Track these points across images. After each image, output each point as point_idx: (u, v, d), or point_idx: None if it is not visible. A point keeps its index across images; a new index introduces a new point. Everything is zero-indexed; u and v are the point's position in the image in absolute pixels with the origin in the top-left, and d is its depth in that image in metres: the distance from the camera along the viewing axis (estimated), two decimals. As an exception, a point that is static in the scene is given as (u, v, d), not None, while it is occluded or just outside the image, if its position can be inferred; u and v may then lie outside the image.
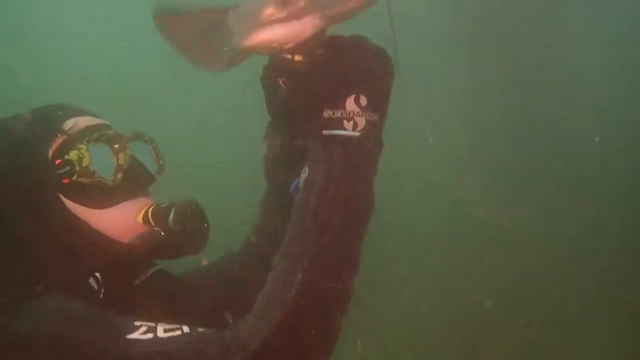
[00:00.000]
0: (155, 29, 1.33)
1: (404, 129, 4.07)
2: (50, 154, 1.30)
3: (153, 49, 1.80)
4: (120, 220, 1.34)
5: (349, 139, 1.14)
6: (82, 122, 1.35)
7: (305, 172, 1.17)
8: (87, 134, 1.32)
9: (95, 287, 1.31)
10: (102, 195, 1.31)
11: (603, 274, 4.66)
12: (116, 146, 1.33)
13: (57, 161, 1.29)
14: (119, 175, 1.32)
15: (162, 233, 1.33)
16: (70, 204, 1.30)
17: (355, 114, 1.14)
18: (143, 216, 1.34)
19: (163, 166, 1.45)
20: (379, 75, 1.19)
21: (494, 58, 5.14)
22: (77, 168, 1.28)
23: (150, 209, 1.35)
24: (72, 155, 1.29)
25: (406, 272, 4.81)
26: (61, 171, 1.29)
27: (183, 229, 1.33)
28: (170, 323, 1.15)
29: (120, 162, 1.33)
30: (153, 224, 1.34)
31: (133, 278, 1.40)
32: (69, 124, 1.33)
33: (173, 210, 1.33)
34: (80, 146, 1.29)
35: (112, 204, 1.32)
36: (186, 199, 1.37)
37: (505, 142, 5.06)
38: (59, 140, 1.31)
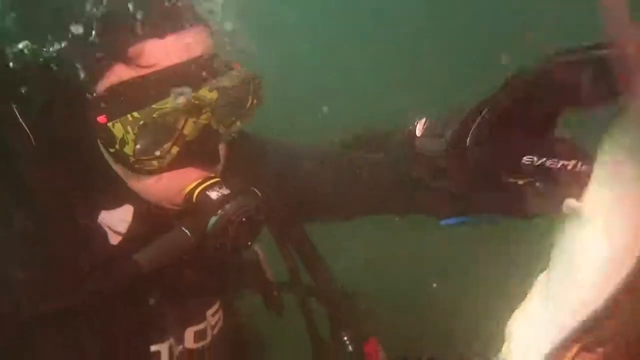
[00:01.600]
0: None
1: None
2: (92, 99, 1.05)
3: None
4: (164, 189, 1.13)
5: None
6: (157, 55, 1.03)
7: None
8: (147, 102, 1.02)
9: None
10: (145, 166, 1.09)
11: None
12: (185, 119, 1.07)
13: (99, 118, 1.04)
14: (174, 150, 1.09)
15: (192, 238, 1.13)
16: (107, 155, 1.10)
17: None
18: (188, 192, 1.13)
19: (252, 110, 1.19)
20: None
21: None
22: (117, 143, 1.05)
23: (198, 192, 1.12)
24: (117, 130, 1.04)
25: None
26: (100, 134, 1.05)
27: (218, 245, 1.14)
28: None
29: (186, 131, 1.08)
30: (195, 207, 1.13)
31: None
32: (132, 55, 1.01)
33: (218, 216, 1.11)
34: (129, 120, 1.03)
35: (157, 174, 1.11)
36: (242, 205, 1.13)
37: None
38: (106, 95, 1.04)
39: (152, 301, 1.23)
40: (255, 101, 1.20)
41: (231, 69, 1.14)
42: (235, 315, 1.51)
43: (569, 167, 0.92)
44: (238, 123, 1.19)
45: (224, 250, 1.14)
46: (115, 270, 1.11)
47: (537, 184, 0.96)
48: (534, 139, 0.96)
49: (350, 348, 1.45)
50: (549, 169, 0.93)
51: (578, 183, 0.79)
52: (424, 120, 1.17)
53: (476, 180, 1.02)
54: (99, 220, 1.16)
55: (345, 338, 1.46)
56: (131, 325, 1.20)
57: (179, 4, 1.06)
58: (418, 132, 1.15)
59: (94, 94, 1.04)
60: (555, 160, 0.93)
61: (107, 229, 1.17)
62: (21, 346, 1.10)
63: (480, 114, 0.97)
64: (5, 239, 1.09)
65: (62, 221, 1.12)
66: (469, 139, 0.99)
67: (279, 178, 1.43)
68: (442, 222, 1.17)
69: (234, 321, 1.49)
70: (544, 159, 0.94)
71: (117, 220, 1.16)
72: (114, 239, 1.17)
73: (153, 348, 1.25)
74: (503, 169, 0.98)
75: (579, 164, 0.91)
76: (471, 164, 1.01)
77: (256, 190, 1.23)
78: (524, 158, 0.95)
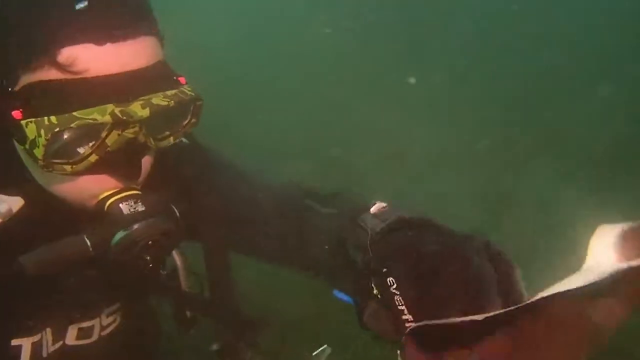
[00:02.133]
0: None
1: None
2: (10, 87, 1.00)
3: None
4: (76, 191, 1.08)
5: None
6: (91, 61, 0.97)
7: None
8: (69, 108, 0.97)
9: None
10: (56, 169, 1.02)
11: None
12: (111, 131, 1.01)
13: (14, 113, 0.98)
14: (92, 158, 1.03)
15: (91, 250, 1.06)
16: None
17: None
18: (101, 200, 1.07)
19: (188, 128, 1.14)
20: None
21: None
22: (28, 143, 0.99)
23: (111, 202, 1.07)
24: (29, 130, 0.97)
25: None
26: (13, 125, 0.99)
27: (118, 262, 1.09)
28: None
29: (108, 141, 1.02)
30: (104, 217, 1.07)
31: None
32: (63, 56, 0.96)
33: (125, 233, 1.05)
34: (44, 123, 0.96)
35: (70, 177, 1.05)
36: (152, 227, 1.08)
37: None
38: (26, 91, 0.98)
39: (28, 295, 1.16)
40: (193, 120, 1.14)
41: (176, 83, 1.08)
42: (138, 319, 1.46)
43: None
44: (171, 139, 1.14)
45: (122, 267, 1.10)
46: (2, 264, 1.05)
47: None
48: None
49: None
50: None
51: None
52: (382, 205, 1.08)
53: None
54: None
55: None
56: None
57: (127, 13, 1.00)
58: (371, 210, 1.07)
59: (15, 87, 0.98)
60: None
61: None
62: None
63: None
64: None
65: None
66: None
67: (216, 196, 1.37)
68: (335, 292, 1.12)
69: (134, 325, 1.43)
70: None
71: (2, 205, 1.10)
72: None
73: (15, 342, 1.20)
74: None
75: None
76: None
77: (175, 210, 1.18)
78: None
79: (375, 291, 0.95)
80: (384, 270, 0.92)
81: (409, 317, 0.88)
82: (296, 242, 1.30)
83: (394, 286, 0.90)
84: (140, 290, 1.42)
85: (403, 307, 0.89)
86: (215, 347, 1.40)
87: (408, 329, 0.79)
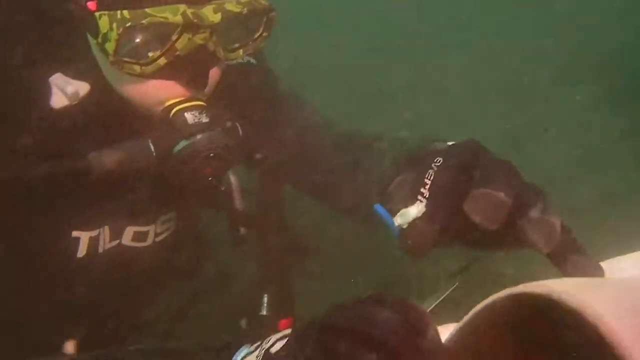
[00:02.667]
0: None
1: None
2: None
3: None
4: (143, 95, 1.08)
5: None
6: None
7: None
8: (142, 3, 0.97)
9: None
10: (125, 68, 1.04)
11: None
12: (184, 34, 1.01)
13: (89, 3, 0.99)
14: (161, 61, 1.03)
15: (155, 155, 1.08)
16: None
17: None
18: (168, 106, 1.07)
19: (260, 42, 1.13)
20: None
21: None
22: (100, 37, 0.99)
23: (177, 110, 1.07)
24: (102, 23, 0.98)
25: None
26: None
27: (178, 173, 1.10)
28: None
29: (178, 45, 1.02)
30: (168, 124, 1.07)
31: None
32: None
33: (188, 142, 1.06)
34: (117, 17, 0.97)
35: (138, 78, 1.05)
36: (215, 140, 1.07)
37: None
38: None
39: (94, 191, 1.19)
40: (265, 34, 1.13)
41: None
42: (191, 230, 1.49)
43: None
44: (241, 51, 1.13)
45: (182, 177, 1.10)
46: (66, 164, 1.07)
47: None
48: None
49: (264, 311, 1.40)
50: None
51: None
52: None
53: None
54: (50, 78, 1.10)
55: (265, 300, 1.41)
56: (57, 206, 1.16)
57: None
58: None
59: None
60: None
61: (54, 88, 1.10)
62: None
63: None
64: None
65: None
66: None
67: (279, 123, 1.37)
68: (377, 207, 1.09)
69: (186, 235, 1.46)
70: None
71: (69, 87, 1.10)
72: (58, 101, 1.11)
73: (74, 234, 1.23)
74: None
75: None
76: None
77: (239, 127, 1.18)
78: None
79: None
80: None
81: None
82: (351, 180, 1.30)
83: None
84: (197, 202, 1.44)
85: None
86: (243, 323, 1.42)
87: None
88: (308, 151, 1.41)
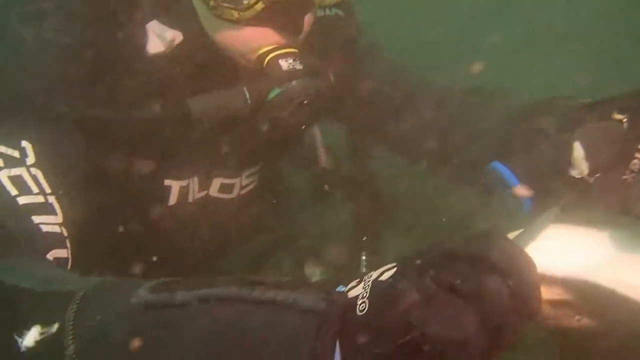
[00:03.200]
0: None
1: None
2: None
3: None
4: (239, 42, 1.09)
5: None
6: None
7: None
8: None
9: None
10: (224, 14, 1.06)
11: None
12: None
13: None
14: (259, 6, 1.04)
15: (249, 102, 1.10)
16: None
17: None
18: (262, 54, 1.08)
19: None
20: None
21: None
22: None
23: (271, 57, 1.08)
24: None
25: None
26: None
27: (271, 118, 1.12)
28: None
29: None
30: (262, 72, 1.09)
31: None
32: None
33: (282, 89, 1.08)
34: None
35: (235, 25, 1.07)
36: (309, 86, 1.09)
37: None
38: None
39: (184, 140, 1.22)
40: None
41: None
42: (274, 184, 1.51)
43: None
44: None
45: (275, 124, 1.12)
46: (166, 108, 1.10)
47: None
48: None
49: (364, 269, 1.43)
50: None
51: None
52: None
53: None
54: (147, 25, 1.12)
55: (364, 257, 1.43)
56: (153, 153, 1.20)
57: None
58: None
59: None
60: None
61: (151, 34, 1.12)
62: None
63: None
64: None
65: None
66: None
67: (368, 77, 1.37)
68: (495, 164, 1.07)
69: (270, 189, 1.48)
70: None
71: (167, 33, 1.12)
72: (154, 47, 1.13)
73: (166, 182, 1.27)
74: None
75: None
76: None
77: (331, 76, 1.18)
78: None
79: None
80: None
81: None
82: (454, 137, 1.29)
83: None
84: (282, 156, 1.46)
85: None
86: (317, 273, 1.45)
87: None
88: (400, 107, 1.39)
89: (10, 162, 1.05)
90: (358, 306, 0.66)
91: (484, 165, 1.12)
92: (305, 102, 1.09)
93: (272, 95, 1.08)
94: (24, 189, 1.05)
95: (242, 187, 1.39)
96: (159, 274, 1.27)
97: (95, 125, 1.10)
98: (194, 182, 1.31)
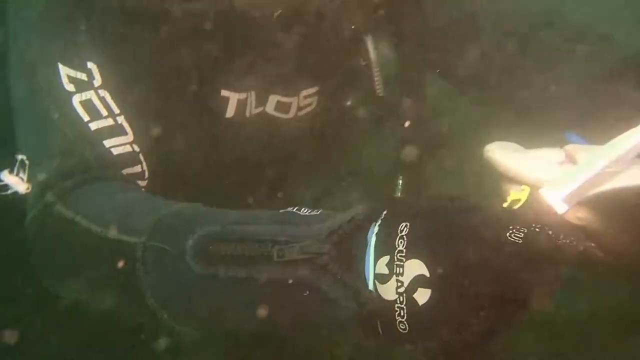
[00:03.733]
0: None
1: None
2: None
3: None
4: None
5: None
6: None
7: None
8: None
9: None
10: None
11: None
12: None
13: None
14: None
15: None
16: None
17: None
18: None
19: None
20: None
21: None
22: None
23: None
24: None
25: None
26: None
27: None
28: None
29: None
30: None
31: None
32: None
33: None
34: None
35: None
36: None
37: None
38: None
39: (243, 54, 1.26)
40: None
41: None
42: (332, 111, 1.52)
43: None
44: None
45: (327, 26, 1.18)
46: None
47: None
48: None
49: (399, 192, 1.45)
50: None
51: None
52: None
53: None
54: None
55: (400, 181, 1.46)
56: (212, 62, 1.25)
57: None
58: None
59: None
60: None
61: None
62: None
63: None
64: None
65: None
66: None
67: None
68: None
69: (327, 115, 1.50)
70: None
71: None
72: None
73: (223, 92, 1.31)
74: None
75: None
76: None
77: None
78: None
79: None
80: None
81: None
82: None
83: None
84: (338, 77, 1.47)
85: None
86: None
87: None
88: (461, 32, 1.40)
89: (80, 86, 1.13)
90: (397, 325, 0.72)
91: (555, 126, 1.12)
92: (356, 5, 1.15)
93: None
94: (95, 114, 1.13)
95: (299, 108, 1.42)
96: (226, 195, 1.36)
97: (150, 20, 1.16)
98: (252, 97, 1.35)
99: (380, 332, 0.75)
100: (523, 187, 0.77)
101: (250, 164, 1.45)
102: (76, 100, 1.12)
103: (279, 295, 0.81)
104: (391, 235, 0.74)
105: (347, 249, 0.78)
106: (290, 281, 0.79)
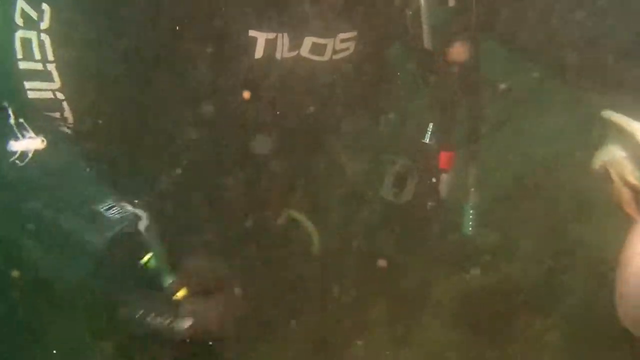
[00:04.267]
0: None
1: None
2: None
3: None
4: None
5: None
6: None
7: None
8: None
9: None
10: None
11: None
12: None
13: None
14: None
15: None
16: None
17: None
18: None
19: None
20: None
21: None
22: None
23: None
24: None
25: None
26: None
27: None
28: None
29: None
30: None
31: None
32: None
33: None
34: None
35: None
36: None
37: None
38: None
39: None
40: None
41: None
42: (371, 57, 1.45)
43: None
44: None
45: None
46: None
47: None
48: None
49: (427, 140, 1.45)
50: None
51: None
52: None
53: None
54: None
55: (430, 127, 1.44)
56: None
57: None
58: None
59: None
60: None
61: None
62: None
63: None
64: None
65: None
66: None
67: None
68: None
69: (367, 61, 1.43)
70: None
71: None
72: None
73: (251, 32, 1.25)
74: None
75: None
76: None
77: None
78: None
79: None
80: None
81: None
82: None
83: None
84: (380, 25, 1.39)
85: None
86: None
87: None
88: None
89: (27, 23, 1.16)
90: None
91: None
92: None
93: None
94: (28, 55, 1.17)
95: (335, 51, 1.35)
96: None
97: None
98: (284, 39, 1.29)
99: None
100: None
101: (278, 109, 1.40)
102: (18, 35, 1.16)
103: None
104: None
105: None
106: None
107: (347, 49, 1.37)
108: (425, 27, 1.34)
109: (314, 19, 1.28)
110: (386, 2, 1.33)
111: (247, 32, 1.25)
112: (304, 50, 1.32)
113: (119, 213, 1.05)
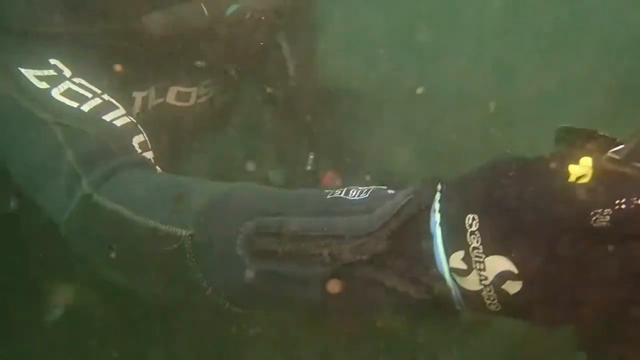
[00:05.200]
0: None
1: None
2: None
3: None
4: None
5: None
6: None
7: None
8: None
9: None
10: None
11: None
12: None
13: None
14: None
15: (207, 17, 1.21)
16: None
17: None
18: None
19: None
20: None
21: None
22: None
23: None
24: None
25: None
26: None
27: (230, 36, 1.26)
28: None
29: None
30: None
31: None
32: None
33: (238, 5, 1.20)
34: None
35: None
36: (266, 2, 1.22)
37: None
38: None
39: (142, 50, 1.23)
40: None
41: None
42: (228, 95, 1.55)
43: None
44: None
45: (234, 40, 1.19)
46: (121, 24, 1.15)
47: None
48: None
49: (309, 167, 1.53)
50: None
51: None
52: None
53: None
54: None
55: (311, 157, 1.53)
56: (120, 65, 1.22)
57: None
58: None
59: None
60: None
61: None
62: None
63: None
64: None
65: None
66: None
67: None
68: None
69: (226, 98, 1.54)
70: None
71: None
72: None
73: (133, 94, 1.30)
74: None
75: None
76: None
77: None
78: None
79: None
80: None
81: None
82: None
83: None
84: (242, 71, 1.46)
85: None
86: None
87: None
88: None
89: (52, 80, 1.08)
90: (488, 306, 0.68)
91: None
92: (263, 18, 1.16)
93: (229, 11, 1.15)
94: (81, 98, 1.07)
95: (199, 96, 1.45)
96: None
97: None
98: (152, 92, 1.36)
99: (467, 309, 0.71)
100: (582, 159, 0.67)
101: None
102: (56, 93, 1.06)
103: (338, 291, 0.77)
104: (459, 229, 0.68)
105: (406, 244, 0.72)
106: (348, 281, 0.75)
107: (208, 93, 1.47)
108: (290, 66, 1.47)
109: (180, 72, 1.36)
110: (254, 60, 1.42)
111: (131, 95, 1.29)
112: (170, 98, 1.39)
113: None
